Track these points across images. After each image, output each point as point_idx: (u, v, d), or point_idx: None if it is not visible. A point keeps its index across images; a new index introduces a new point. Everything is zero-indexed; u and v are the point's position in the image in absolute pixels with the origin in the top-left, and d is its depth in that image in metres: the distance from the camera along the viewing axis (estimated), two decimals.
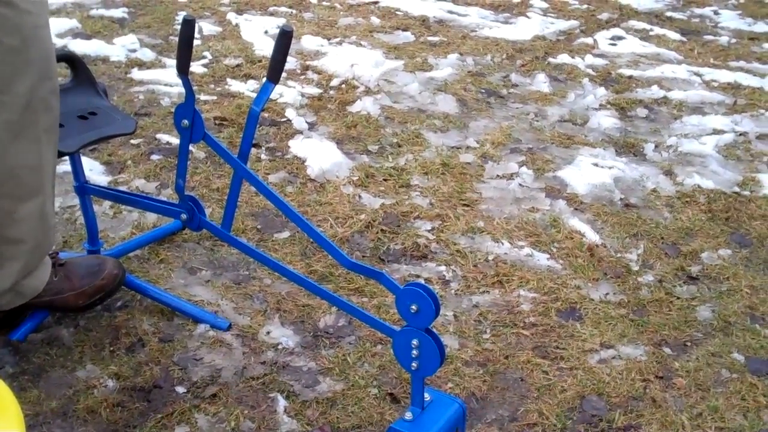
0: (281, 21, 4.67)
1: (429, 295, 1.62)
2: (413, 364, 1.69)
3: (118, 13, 4.64)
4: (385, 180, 3.08)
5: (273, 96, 3.61)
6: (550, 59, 4.49)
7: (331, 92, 3.81)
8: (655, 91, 4.12)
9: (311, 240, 2.62)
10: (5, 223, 1.91)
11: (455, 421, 1.77)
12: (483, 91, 4.01)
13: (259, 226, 2.73)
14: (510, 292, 2.50)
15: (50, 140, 1.93)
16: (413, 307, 1.63)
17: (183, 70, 1.91)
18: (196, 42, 4.33)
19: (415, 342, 1.66)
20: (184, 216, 2.12)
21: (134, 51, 4.14)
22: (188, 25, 1.86)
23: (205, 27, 4.52)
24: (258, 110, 1.88)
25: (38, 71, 1.81)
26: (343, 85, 3.87)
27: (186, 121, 1.96)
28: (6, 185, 1.87)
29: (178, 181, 2.07)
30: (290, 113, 3.53)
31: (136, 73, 3.89)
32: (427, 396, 1.75)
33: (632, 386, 2.17)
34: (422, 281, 2.51)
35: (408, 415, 1.71)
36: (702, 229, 2.92)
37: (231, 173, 3.03)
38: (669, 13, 5.51)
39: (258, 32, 4.50)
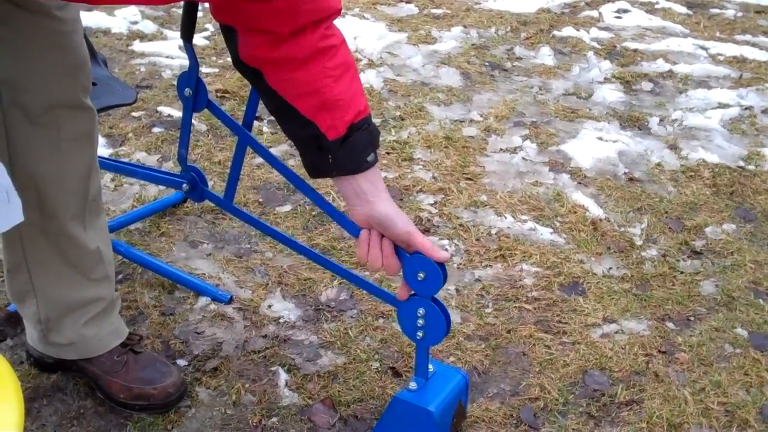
0: None
1: (439, 264, 1.60)
2: (418, 333, 1.67)
3: None
4: (387, 153, 3.06)
5: None
6: (555, 32, 4.45)
7: None
8: (661, 65, 4.09)
9: (313, 213, 2.62)
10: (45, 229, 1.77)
11: (459, 392, 1.77)
12: (487, 64, 3.99)
13: (260, 200, 2.72)
14: (512, 267, 2.49)
15: (76, 154, 1.73)
16: (420, 274, 1.60)
17: (187, 37, 1.88)
18: (197, 14, 4.30)
19: (421, 311, 1.64)
20: (185, 186, 2.10)
21: (136, 23, 4.11)
22: None
23: None
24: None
25: (65, 77, 1.67)
26: None
27: (189, 90, 1.93)
28: (29, 194, 1.68)
29: (180, 150, 2.05)
30: None
31: (138, 46, 3.87)
32: (430, 367, 1.75)
33: (635, 361, 2.16)
34: None
35: (412, 385, 1.70)
36: (706, 204, 2.90)
37: (233, 146, 3.01)
38: None
39: None
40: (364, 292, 2.32)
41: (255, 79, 1.54)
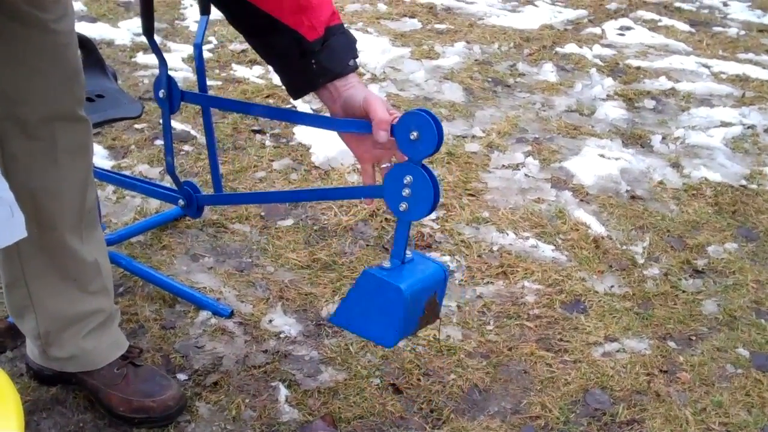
0: None
1: (433, 119, 1.44)
2: (402, 204, 1.48)
3: None
4: None
5: (277, 82, 3.58)
6: (558, 48, 4.46)
7: None
8: (663, 83, 4.09)
9: (315, 228, 2.62)
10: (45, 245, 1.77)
11: (435, 282, 1.58)
12: (490, 79, 3.99)
13: (262, 213, 2.71)
14: (514, 284, 2.49)
15: (72, 166, 1.73)
16: (413, 133, 1.44)
17: (149, 32, 1.86)
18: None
19: (408, 178, 1.47)
20: (182, 202, 2.09)
21: (139, 35, 4.10)
22: None
23: (212, 11, 4.49)
24: (200, 43, 1.94)
25: (61, 90, 1.67)
26: None
27: (163, 91, 1.92)
28: (26, 207, 1.63)
29: (167, 158, 2.02)
30: None
31: (141, 57, 3.87)
32: (408, 254, 1.58)
33: (636, 380, 2.16)
34: None
35: (386, 264, 1.54)
36: (708, 223, 2.90)
37: (235, 159, 3.02)
38: (678, 4, 5.47)
39: None
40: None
41: (229, 1, 1.55)
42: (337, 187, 1.79)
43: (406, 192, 1.48)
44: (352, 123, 1.51)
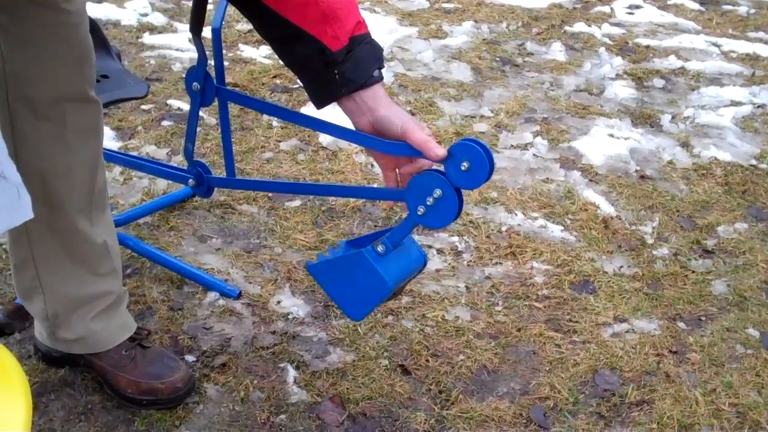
0: None
1: (485, 152, 1.45)
2: (420, 208, 1.51)
3: None
4: None
5: None
6: (567, 27, 4.43)
7: None
8: (673, 62, 4.06)
9: (323, 209, 2.61)
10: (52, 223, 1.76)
11: (415, 271, 1.66)
12: (498, 59, 3.97)
13: (270, 194, 2.70)
14: (523, 264, 2.48)
15: (83, 147, 1.72)
16: (465, 164, 1.45)
17: (196, 31, 1.88)
18: (208, 6, 4.28)
19: (438, 192, 1.49)
20: (191, 182, 2.08)
21: (146, 15, 4.10)
22: None
23: None
24: (218, 27, 1.91)
25: (72, 70, 1.65)
26: None
27: (197, 84, 1.92)
28: (36, 189, 1.64)
29: (187, 145, 2.03)
30: None
31: (148, 38, 3.85)
32: None
33: (645, 361, 2.15)
34: (434, 252, 2.49)
35: (381, 249, 1.56)
36: (718, 202, 2.88)
37: (242, 140, 3.01)
38: None
39: None
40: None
41: (253, 9, 1.52)
42: (358, 186, 1.77)
43: (429, 201, 1.50)
44: (400, 146, 1.49)
